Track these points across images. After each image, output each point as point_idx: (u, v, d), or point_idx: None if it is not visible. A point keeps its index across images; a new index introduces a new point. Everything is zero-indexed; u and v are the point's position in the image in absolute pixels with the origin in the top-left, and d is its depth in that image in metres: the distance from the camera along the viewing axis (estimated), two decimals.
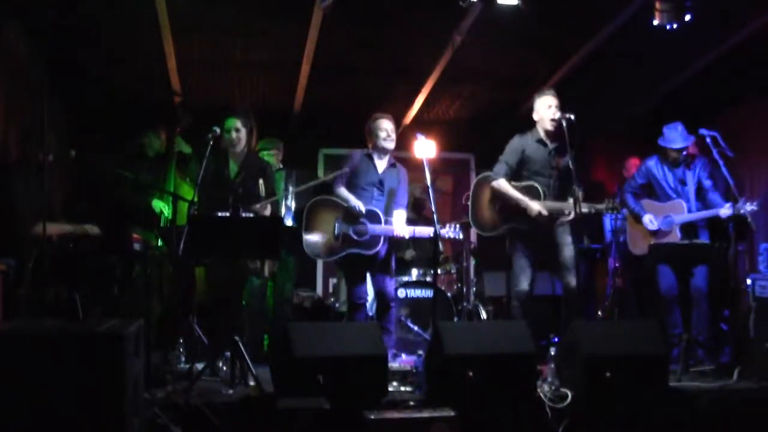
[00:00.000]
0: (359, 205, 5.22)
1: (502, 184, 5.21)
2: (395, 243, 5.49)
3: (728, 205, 5.38)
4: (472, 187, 5.56)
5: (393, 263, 5.48)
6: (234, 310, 4.91)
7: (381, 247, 5.27)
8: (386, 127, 5.40)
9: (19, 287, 4.49)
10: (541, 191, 5.10)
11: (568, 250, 5.15)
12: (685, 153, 5.68)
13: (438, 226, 5.02)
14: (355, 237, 5.25)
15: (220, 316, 4.90)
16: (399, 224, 5.30)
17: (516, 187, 5.18)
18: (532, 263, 5.18)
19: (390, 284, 5.41)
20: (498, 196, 5.27)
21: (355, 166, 5.41)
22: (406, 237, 5.29)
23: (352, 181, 5.39)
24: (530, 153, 5.23)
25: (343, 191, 5.34)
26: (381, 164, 5.46)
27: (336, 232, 5.25)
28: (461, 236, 5.35)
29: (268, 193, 5.07)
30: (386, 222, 5.29)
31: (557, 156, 5.21)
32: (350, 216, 5.28)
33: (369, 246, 5.23)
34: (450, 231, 5.35)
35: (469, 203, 5.49)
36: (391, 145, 5.41)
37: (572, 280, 5.10)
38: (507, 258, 6.26)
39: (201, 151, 5.02)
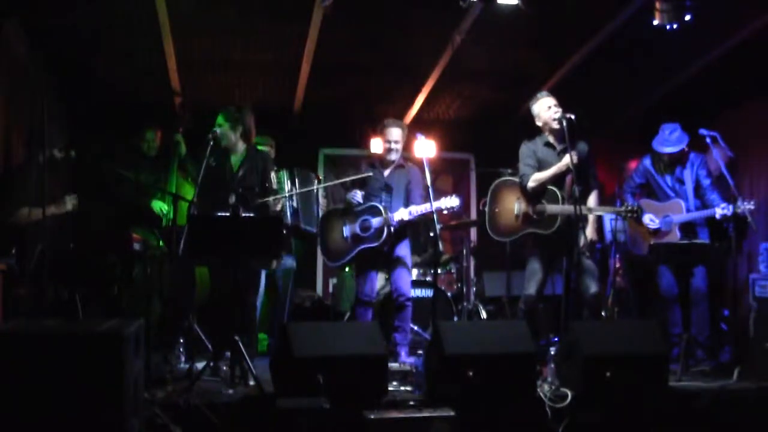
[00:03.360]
0: (355, 197, 5.36)
1: (536, 175, 5.10)
2: (401, 233, 5.43)
3: (723, 205, 5.37)
4: (489, 192, 5.42)
5: (407, 259, 5.46)
6: (236, 310, 4.89)
7: (387, 239, 5.29)
8: (391, 138, 5.44)
9: (19, 287, 4.49)
10: (559, 195, 5.01)
11: (589, 257, 5.08)
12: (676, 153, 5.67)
13: (438, 226, 5.03)
14: (362, 234, 5.34)
15: (221, 316, 4.89)
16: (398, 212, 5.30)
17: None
18: (545, 269, 5.12)
19: (403, 281, 5.39)
20: (537, 192, 5.09)
21: (364, 177, 5.50)
22: (405, 219, 5.25)
23: (364, 190, 5.47)
24: (541, 157, 5.15)
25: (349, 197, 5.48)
26: (386, 168, 5.50)
27: (345, 234, 5.40)
28: (458, 204, 5.22)
29: (270, 181, 5.18)
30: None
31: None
32: (354, 216, 5.36)
33: (375, 239, 5.30)
34: (448, 201, 5.18)
35: (486, 209, 5.40)
36: (393, 156, 5.47)
37: (592, 286, 5.01)
38: (507, 258, 6.29)
39: (198, 152, 5.03)
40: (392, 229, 5.32)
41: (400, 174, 5.51)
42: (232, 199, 4.96)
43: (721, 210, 5.34)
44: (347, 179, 5.57)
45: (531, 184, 5.13)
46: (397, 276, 5.38)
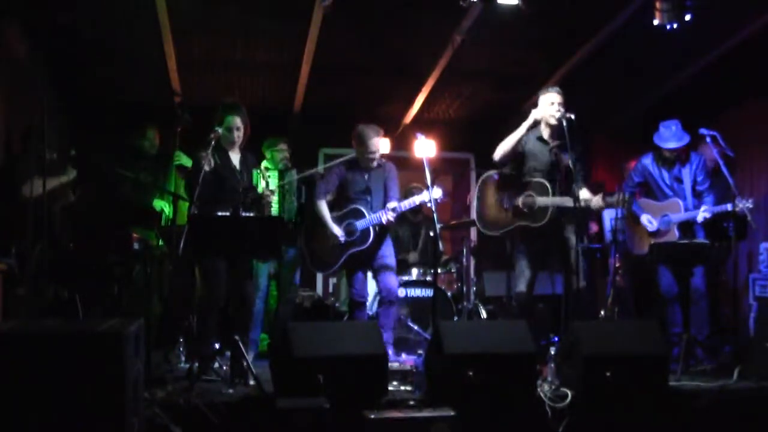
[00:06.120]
0: (338, 233, 5.31)
1: (501, 145, 5.08)
2: (384, 232, 5.42)
3: (705, 208, 5.41)
4: (477, 185, 5.43)
5: (392, 260, 5.45)
6: (237, 310, 4.88)
7: (374, 240, 5.29)
8: (373, 148, 5.37)
9: (19, 287, 4.49)
10: (549, 187, 4.99)
11: (573, 253, 5.05)
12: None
13: (438, 226, 5.03)
14: (348, 238, 5.33)
15: (209, 317, 4.86)
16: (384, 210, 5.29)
17: (524, 183, 5.12)
18: (533, 265, 5.12)
19: (390, 280, 5.37)
20: (505, 166, 5.12)
21: (343, 177, 5.46)
22: (391, 218, 5.25)
23: (342, 192, 5.45)
24: (530, 149, 5.14)
25: (322, 209, 5.40)
26: (367, 171, 5.48)
27: (331, 242, 5.37)
28: (441, 195, 5.23)
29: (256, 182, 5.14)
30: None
31: (560, 154, 5.10)
32: (337, 222, 5.37)
33: (362, 241, 5.31)
34: (434, 193, 5.10)
35: (474, 202, 5.39)
36: (375, 163, 5.44)
37: (575, 282, 5.03)
38: (507, 258, 6.28)
39: (199, 152, 4.98)
40: (380, 231, 5.32)
41: (378, 174, 5.48)
42: (237, 199, 4.94)
43: (702, 213, 5.38)
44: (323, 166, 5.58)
45: (496, 154, 5.11)
46: (385, 278, 5.36)
